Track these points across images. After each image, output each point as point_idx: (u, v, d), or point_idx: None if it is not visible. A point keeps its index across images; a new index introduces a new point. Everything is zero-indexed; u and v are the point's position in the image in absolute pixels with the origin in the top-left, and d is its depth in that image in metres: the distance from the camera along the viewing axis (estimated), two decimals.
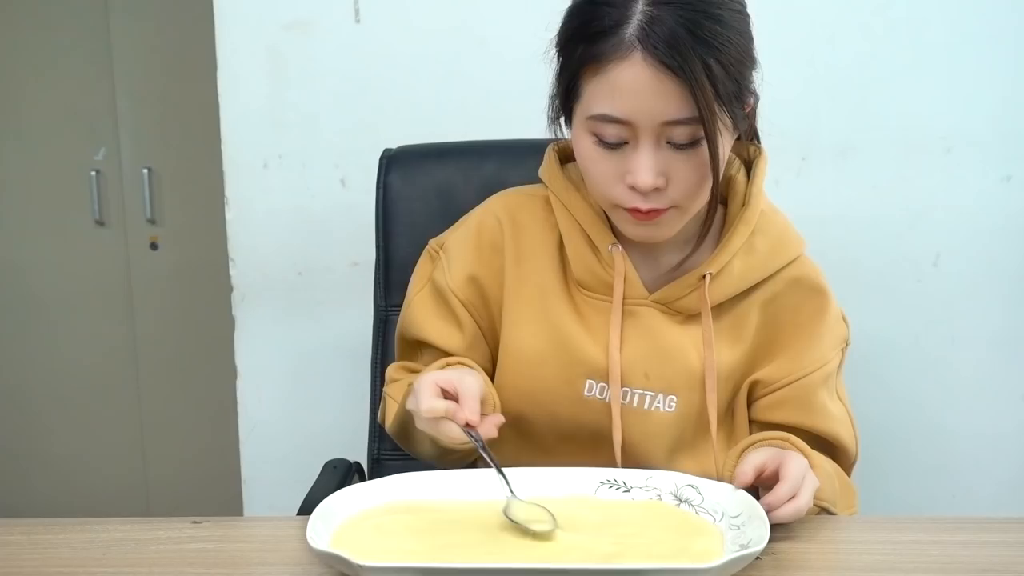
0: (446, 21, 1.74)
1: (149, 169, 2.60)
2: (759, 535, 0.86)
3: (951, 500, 1.86)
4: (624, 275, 1.12)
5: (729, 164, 1.15)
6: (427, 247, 1.26)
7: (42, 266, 2.68)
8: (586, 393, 1.13)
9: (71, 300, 2.68)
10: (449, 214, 1.48)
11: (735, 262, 1.13)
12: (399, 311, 1.49)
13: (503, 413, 1.11)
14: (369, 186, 1.51)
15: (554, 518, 0.92)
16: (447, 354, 1.17)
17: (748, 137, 1.18)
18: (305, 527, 0.88)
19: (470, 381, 1.01)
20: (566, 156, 1.20)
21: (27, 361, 2.72)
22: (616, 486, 1.01)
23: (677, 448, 1.14)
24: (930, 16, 1.72)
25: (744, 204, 1.14)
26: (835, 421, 1.16)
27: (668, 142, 1.01)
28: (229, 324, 1.87)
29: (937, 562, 0.92)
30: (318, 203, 1.80)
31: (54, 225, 2.65)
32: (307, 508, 1.11)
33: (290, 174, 1.80)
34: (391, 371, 1.26)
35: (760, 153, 1.17)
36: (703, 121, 0.97)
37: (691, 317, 1.14)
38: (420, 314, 1.21)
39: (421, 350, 1.23)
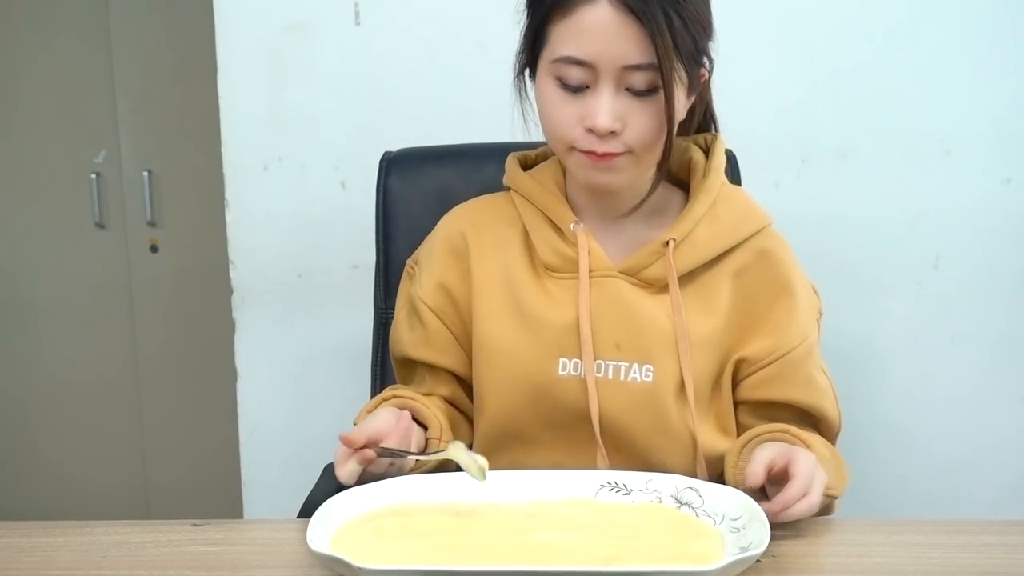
0: (446, 24, 1.75)
1: (149, 171, 2.60)
2: (759, 538, 0.86)
3: (951, 503, 1.86)
4: (588, 249, 1.15)
5: (687, 149, 1.20)
6: (405, 267, 1.30)
7: (42, 269, 2.68)
8: (560, 372, 1.14)
9: (71, 303, 2.68)
10: None
11: (699, 230, 1.15)
12: None
13: (487, 412, 1.16)
14: (369, 188, 1.51)
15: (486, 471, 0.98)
16: (433, 368, 1.22)
17: (705, 121, 1.22)
18: (305, 530, 0.88)
19: (374, 424, 1.05)
20: (526, 164, 1.27)
21: (27, 364, 2.72)
22: (616, 489, 1.01)
23: (661, 420, 1.13)
24: (930, 19, 1.72)
25: (704, 177, 1.18)
26: (822, 394, 1.17)
27: (627, 88, 1.04)
28: (229, 326, 1.87)
29: (937, 565, 0.92)
30: (318, 205, 1.80)
31: (54, 228, 2.65)
32: (307, 511, 1.11)
33: (290, 176, 1.80)
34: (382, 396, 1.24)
35: (716, 138, 1.21)
36: (660, 67, 1.01)
37: (661, 288, 1.15)
38: (399, 332, 1.26)
39: (412, 368, 1.26)
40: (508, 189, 1.25)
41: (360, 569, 0.81)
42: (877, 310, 1.81)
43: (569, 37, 1.04)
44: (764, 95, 1.75)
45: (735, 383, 1.17)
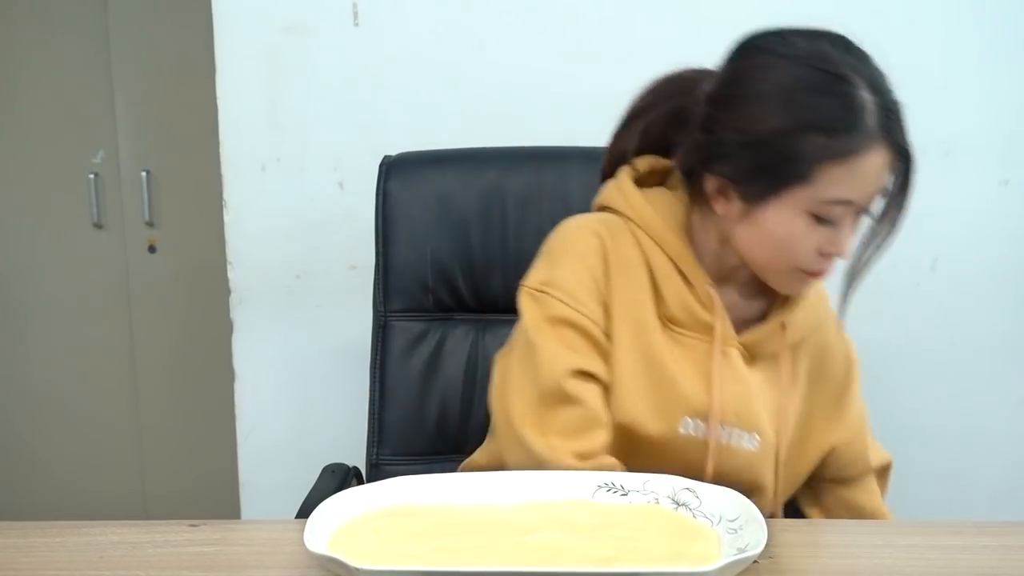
0: (445, 25, 1.75)
1: (147, 172, 2.60)
2: (756, 539, 0.86)
3: (949, 504, 1.86)
4: (723, 317, 1.16)
5: None
6: (524, 291, 1.18)
7: (40, 269, 2.67)
8: (681, 430, 1.15)
9: (69, 303, 2.68)
10: (448, 220, 1.48)
11: (798, 310, 1.21)
12: (398, 317, 1.50)
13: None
14: (367, 189, 1.51)
15: None
16: (601, 382, 1.14)
17: None
18: (303, 530, 0.87)
19: None
20: (639, 182, 1.21)
21: (24, 364, 2.72)
22: (613, 489, 1.01)
23: (757, 484, 1.19)
24: (929, 20, 1.72)
25: None
26: (879, 449, 1.32)
27: (858, 214, 1.09)
28: (227, 327, 1.87)
29: (935, 566, 0.92)
30: (316, 206, 1.80)
31: (52, 228, 2.65)
32: (305, 512, 1.11)
33: (288, 177, 1.80)
34: (563, 450, 1.12)
35: None
36: (905, 192, 1.08)
37: (755, 358, 1.19)
38: (555, 351, 1.13)
39: (578, 392, 1.13)
40: (605, 208, 1.21)
41: (358, 570, 0.81)
42: (875, 311, 1.81)
43: (845, 181, 1.04)
44: None
45: (822, 463, 1.27)
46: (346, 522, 0.95)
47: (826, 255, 1.09)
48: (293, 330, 1.86)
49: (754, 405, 1.17)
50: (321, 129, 1.79)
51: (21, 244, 2.66)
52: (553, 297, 1.14)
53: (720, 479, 1.13)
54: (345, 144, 1.78)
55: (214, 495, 2.35)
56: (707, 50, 1.75)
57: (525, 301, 1.17)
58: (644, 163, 1.22)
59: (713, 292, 1.15)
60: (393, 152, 1.53)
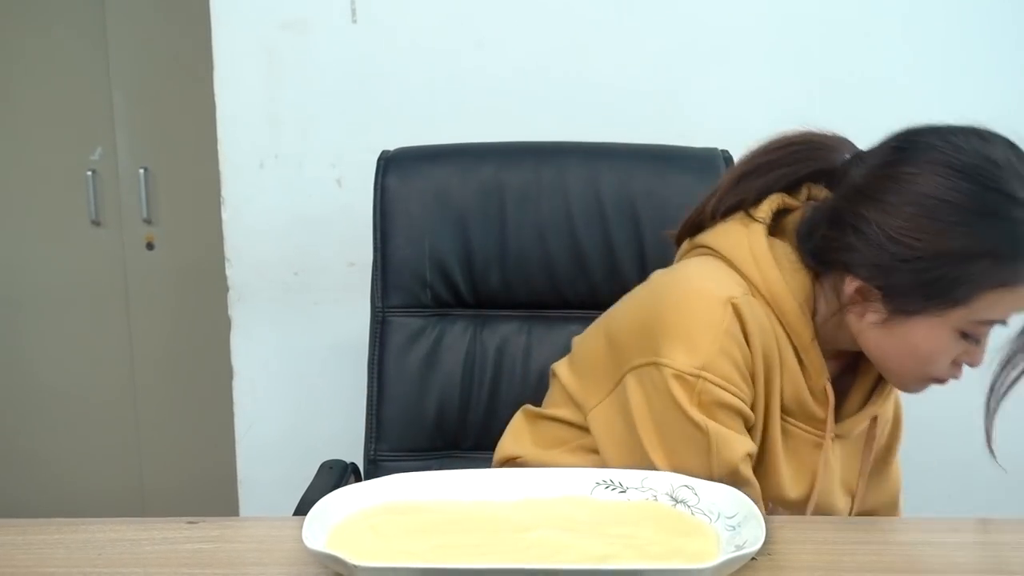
0: (443, 22, 1.74)
1: (145, 169, 2.60)
2: (755, 536, 0.86)
3: (947, 501, 1.86)
4: (832, 423, 1.13)
5: None
6: (667, 373, 1.06)
7: (38, 266, 2.67)
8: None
9: (67, 300, 2.68)
10: (446, 216, 1.48)
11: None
12: (396, 313, 1.50)
13: None
14: (366, 186, 1.51)
15: None
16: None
17: None
18: (301, 527, 0.87)
19: None
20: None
21: (22, 361, 2.72)
22: (612, 486, 1.01)
23: None
24: (928, 20, 1.72)
25: None
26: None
27: None
28: (225, 324, 1.87)
29: (933, 563, 0.92)
30: (315, 203, 1.80)
31: (50, 225, 2.65)
32: (303, 509, 1.11)
33: (287, 174, 1.80)
34: None
35: None
36: None
37: (838, 437, 1.17)
38: (729, 440, 1.06)
39: (748, 475, 1.09)
40: (720, 257, 1.12)
41: (356, 567, 0.81)
42: None
43: (1004, 308, 1.01)
44: (762, 96, 1.75)
45: None
46: (344, 519, 0.94)
47: (959, 364, 1.07)
48: (291, 327, 1.86)
49: (835, 484, 1.17)
50: (319, 126, 1.79)
51: (19, 241, 2.66)
52: (710, 382, 1.05)
53: None
54: (343, 140, 1.78)
55: (212, 492, 2.35)
56: (707, 49, 1.75)
57: (675, 386, 1.05)
58: (769, 207, 1.12)
59: (829, 389, 1.11)
60: (391, 148, 1.53)
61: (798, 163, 1.13)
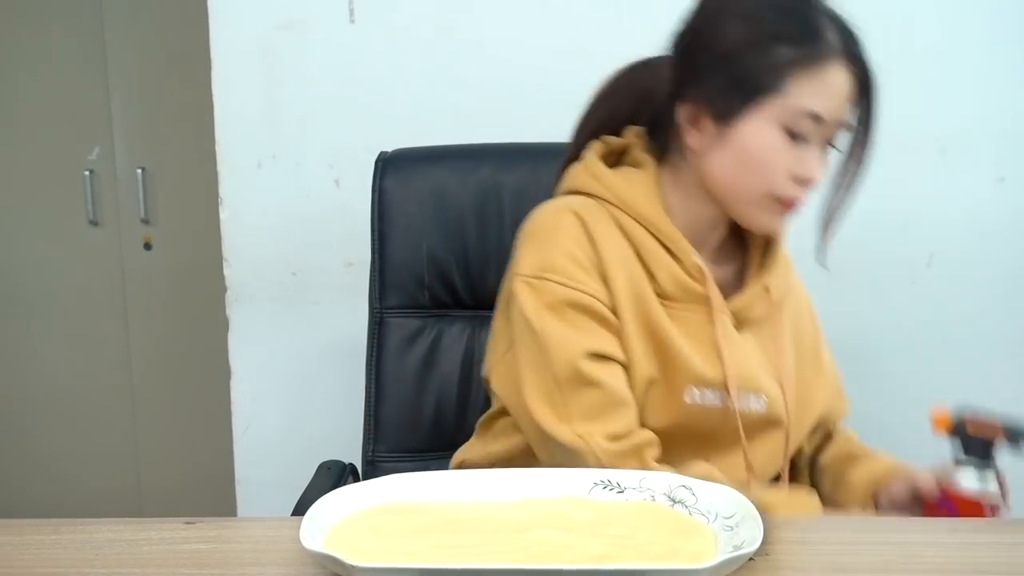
0: (441, 22, 1.74)
1: (143, 169, 2.60)
2: (752, 536, 0.86)
3: None
4: (714, 287, 1.17)
5: None
6: (516, 282, 1.15)
7: (36, 266, 2.67)
8: (687, 400, 1.15)
9: (65, 300, 2.68)
10: (444, 217, 1.48)
11: (776, 270, 1.24)
12: (394, 314, 1.50)
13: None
14: (363, 186, 1.51)
15: None
16: (618, 361, 1.13)
17: None
18: (299, 527, 0.87)
19: None
20: (608, 161, 1.23)
21: (20, 361, 2.72)
22: (610, 487, 1.01)
23: (771, 444, 1.22)
24: (924, 18, 1.73)
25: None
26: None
27: (826, 142, 1.12)
28: (223, 324, 1.87)
29: (932, 563, 0.92)
30: (312, 203, 1.80)
31: (48, 225, 2.65)
32: (301, 509, 1.11)
33: (284, 174, 1.80)
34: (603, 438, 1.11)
35: None
36: (868, 125, 1.13)
37: (743, 324, 1.21)
38: (566, 336, 1.11)
39: (595, 374, 1.12)
40: (576, 192, 1.20)
41: (354, 567, 0.81)
42: (870, 308, 1.82)
43: (816, 93, 1.08)
44: None
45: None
46: (342, 519, 0.94)
47: (798, 181, 1.11)
48: (289, 327, 1.85)
49: (755, 367, 1.18)
50: (317, 126, 1.78)
51: (17, 241, 2.66)
52: (552, 281, 1.12)
53: (752, 441, 1.19)
54: (341, 141, 1.78)
55: (210, 492, 2.35)
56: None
57: (522, 290, 1.14)
58: (610, 142, 1.24)
59: (702, 263, 1.16)
60: (389, 149, 1.53)
61: (636, 83, 1.25)
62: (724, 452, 1.18)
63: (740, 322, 1.20)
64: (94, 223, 2.64)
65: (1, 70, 2.58)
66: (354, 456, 1.52)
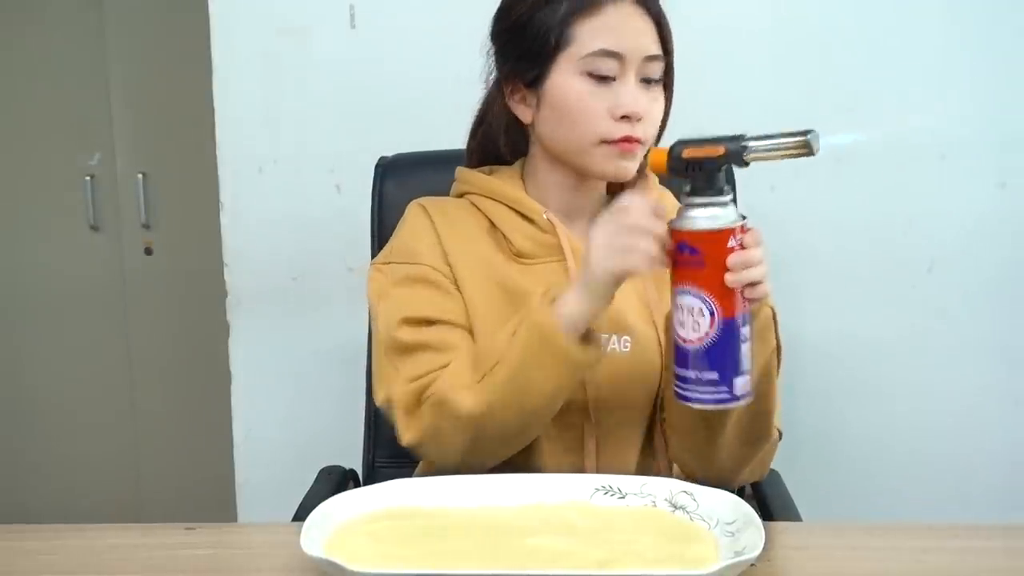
0: (442, 26, 1.74)
1: (144, 174, 2.60)
2: (753, 542, 0.85)
3: (946, 506, 1.86)
4: (567, 234, 1.21)
5: None
6: (370, 272, 1.26)
7: (37, 271, 2.67)
8: None
9: (66, 304, 2.68)
10: None
11: None
12: None
13: None
14: (364, 191, 1.51)
15: None
16: (447, 322, 1.17)
17: None
18: (299, 533, 0.87)
19: None
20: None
21: (21, 366, 2.72)
22: (611, 492, 1.01)
23: (638, 387, 1.19)
24: (925, 22, 1.73)
25: (644, 178, 1.24)
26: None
27: (643, 79, 1.15)
28: (224, 329, 1.87)
29: (932, 569, 0.92)
30: (313, 208, 1.80)
31: (49, 230, 2.65)
32: (302, 515, 1.11)
33: (285, 179, 1.80)
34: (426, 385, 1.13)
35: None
36: (670, 54, 1.17)
37: None
38: (389, 313, 1.18)
39: (414, 338, 1.16)
40: (460, 196, 1.29)
41: (354, 573, 0.81)
42: (871, 313, 1.81)
43: (599, 33, 1.13)
44: (760, 97, 1.75)
45: None
46: (343, 525, 0.94)
47: (619, 118, 1.13)
48: (290, 332, 1.85)
49: (619, 309, 1.16)
50: (318, 131, 1.79)
51: (17, 246, 2.66)
52: (395, 263, 1.22)
53: (603, 389, 1.17)
54: (342, 146, 1.78)
55: (210, 497, 2.35)
56: (707, 52, 1.75)
57: (372, 277, 1.24)
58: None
59: (551, 215, 1.21)
60: (389, 153, 1.53)
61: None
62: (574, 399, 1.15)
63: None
64: (95, 228, 2.64)
65: (2, 76, 2.58)
66: (355, 461, 1.51)
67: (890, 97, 1.75)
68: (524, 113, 1.22)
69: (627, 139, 1.14)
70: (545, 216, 1.22)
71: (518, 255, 1.22)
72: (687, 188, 0.95)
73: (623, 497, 1.01)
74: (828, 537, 1.01)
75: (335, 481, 1.44)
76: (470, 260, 1.21)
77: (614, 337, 1.18)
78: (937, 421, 1.85)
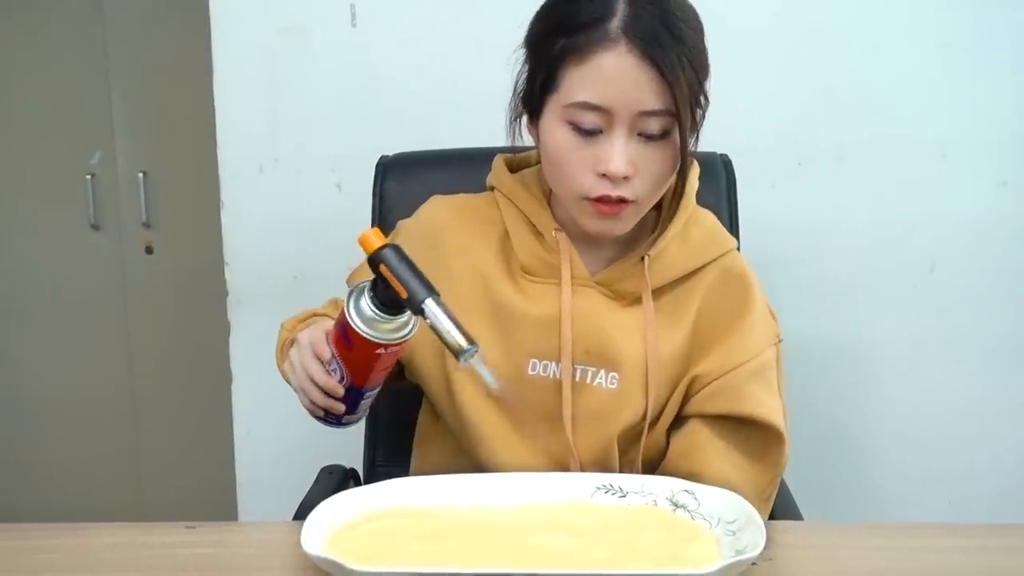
0: (442, 26, 1.74)
1: (144, 173, 2.60)
2: (754, 541, 0.86)
3: (947, 506, 1.86)
4: (570, 257, 1.16)
5: None
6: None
7: (37, 270, 2.67)
8: (530, 372, 1.15)
9: (65, 304, 2.68)
10: None
11: (672, 248, 1.17)
12: None
13: (458, 407, 1.16)
14: (365, 191, 1.51)
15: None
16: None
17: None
18: (300, 532, 0.87)
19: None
20: (512, 167, 1.26)
21: (21, 365, 2.72)
22: (612, 491, 1.01)
23: (628, 431, 1.15)
24: (926, 22, 1.73)
25: (677, 200, 1.17)
26: (767, 408, 1.14)
27: (640, 133, 1.05)
28: (224, 328, 1.87)
29: (933, 569, 0.92)
30: (314, 208, 1.80)
31: (49, 229, 2.64)
32: (302, 513, 1.11)
33: (286, 178, 1.80)
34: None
35: (691, 163, 1.16)
36: (677, 112, 1.03)
37: (633, 302, 1.17)
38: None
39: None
40: (491, 189, 1.25)
41: (354, 572, 0.81)
42: (873, 314, 1.81)
43: (584, 83, 1.03)
44: (761, 98, 1.75)
45: (685, 398, 1.17)
46: (343, 524, 0.94)
47: (599, 176, 1.05)
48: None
49: (613, 344, 1.14)
50: (319, 130, 1.78)
51: (18, 246, 2.66)
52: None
53: (582, 419, 1.14)
54: (342, 145, 1.78)
55: (211, 497, 2.35)
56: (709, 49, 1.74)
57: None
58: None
59: (559, 235, 1.16)
60: (390, 152, 1.53)
61: None
62: (555, 427, 1.14)
63: (621, 297, 1.17)
64: (95, 227, 2.64)
65: (2, 74, 2.58)
66: (355, 460, 1.51)
67: (892, 96, 1.75)
68: (533, 138, 1.16)
69: (604, 199, 1.06)
70: (555, 234, 1.17)
71: (523, 269, 1.18)
72: (371, 284, 0.97)
73: (624, 496, 1.01)
74: (829, 536, 1.01)
75: (336, 480, 1.44)
76: (464, 273, 1.18)
77: (602, 371, 1.14)
78: (939, 421, 1.85)
